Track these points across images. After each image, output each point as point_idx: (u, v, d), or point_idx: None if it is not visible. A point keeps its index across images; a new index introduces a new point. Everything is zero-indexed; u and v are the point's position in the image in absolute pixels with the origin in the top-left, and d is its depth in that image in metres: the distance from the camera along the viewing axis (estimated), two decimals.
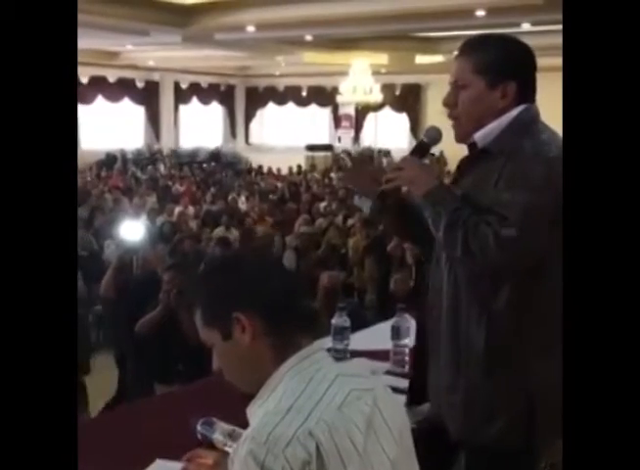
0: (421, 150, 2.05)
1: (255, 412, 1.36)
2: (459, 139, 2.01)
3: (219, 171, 18.53)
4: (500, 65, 1.91)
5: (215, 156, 21.92)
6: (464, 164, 2.04)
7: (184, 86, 21.33)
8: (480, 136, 1.94)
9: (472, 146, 1.99)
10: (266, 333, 1.36)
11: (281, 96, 22.47)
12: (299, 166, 19.14)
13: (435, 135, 2.05)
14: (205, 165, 20.12)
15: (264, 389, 1.37)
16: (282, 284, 1.42)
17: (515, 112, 1.92)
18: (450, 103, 1.98)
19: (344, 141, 21.67)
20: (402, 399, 1.98)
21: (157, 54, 16.54)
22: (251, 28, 11.49)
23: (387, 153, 20.52)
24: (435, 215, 1.88)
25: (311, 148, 21.00)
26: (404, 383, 2.25)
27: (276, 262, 1.52)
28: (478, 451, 1.95)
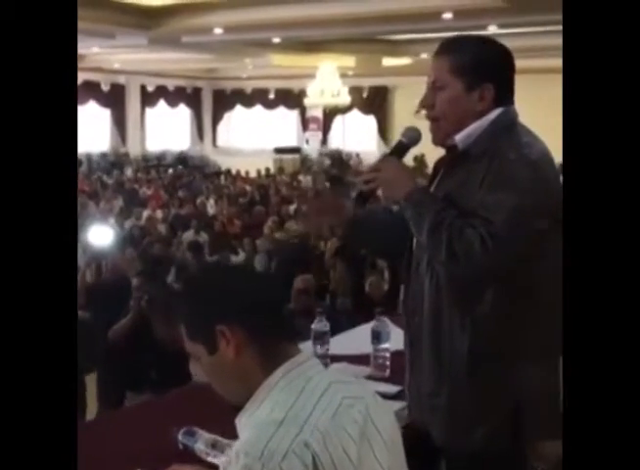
0: (400, 150, 2.01)
1: (245, 424, 1.33)
2: (437, 141, 1.99)
3: (187, 175, 18.42)
4: (478, 67, 1.89)
5: (182, 159, 21.79)
6: (443, 166, 2.01)
7: (150, 89, 21.17)
8: (460, 138, 1.92)
9: (452, 148, 1.96)
10: (251, 344, 1.34)
11: (248, 99, 22.41)
12: (268, 169, 19.10)
13: (415, 135, 2.01)
14: (171, 169, 19.99)
15: (253, 400, 1.34)
16: (263, 293, 1.40)
17: (494, 114, 1.90)
18: (428, 104, 1.96)
19: (312, 143, 21.69)
20: (392, 405, 1.95)
21: (123, 57, 16.39)
22: (218, 31, 11.42)
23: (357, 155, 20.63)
24: (418, 218, 1.85)
25: (279, 151, 21.00)
26: (391, 388, 2.24)
27: (255, 271, 1.50)
28: (460, 457, 1.93)
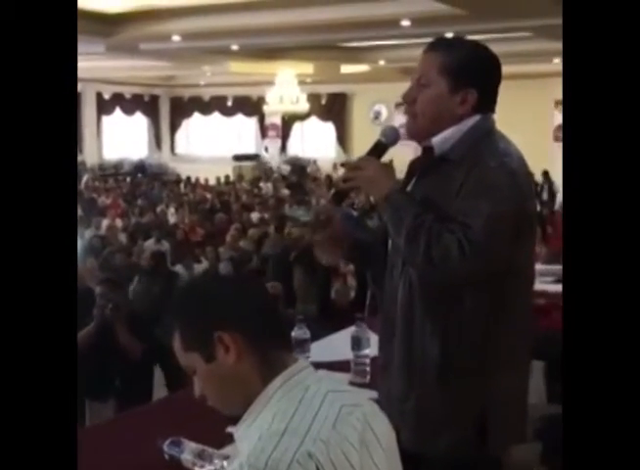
0: (378, 150, 1.99)
1: (245, 435, 1.32)
2: (411, 136, 1.98)
3: (146, 183, 18.25)
4: (464, 69, 1.90)
5: (141, 167, 21.57)
6: (419, 167, 2.01)
7: (107, 97, 20.93)
8: (437, 141, 1.92)
9: (428, 150, 1.96)
10: (250, 351, 1.33)
11: (206, 106, 22.29)
12: (227, 177, 19.03)
13: (393, 135, 1.99)
14: (129, 177, 19.79)
15: (251, 410, 1.33)
16: (259, 300, 1.40)
17: (473, 120, 1.91)
18: (409, 98, 1.95)
19: (271, 151, 21.67)
20: None
21: (79, 64, 15.67)
22: (176, 38, 11.36)
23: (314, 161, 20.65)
24: (396, 220, 1.84)
25: (238, 158, 20.93)
26: (372, 394, 2.24)
27: (249, 278, 1.50)
28: (428, 463, 1.92)
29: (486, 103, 1.94)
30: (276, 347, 1.36)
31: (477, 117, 1.92)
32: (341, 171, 18.34)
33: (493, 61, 1.96)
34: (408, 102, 1.96)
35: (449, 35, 10.80)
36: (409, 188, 1.99)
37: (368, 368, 2.51)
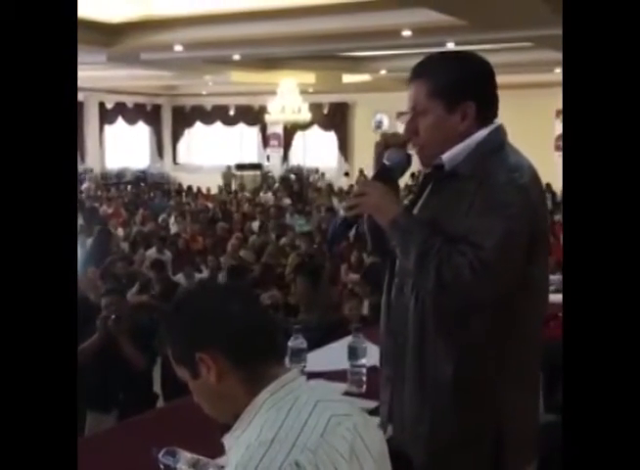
0: (384, 175, 1.93)
1: (234, 444, 1.33)
2: (425, 164, 1.95)
3: (147, 192, 18.27)
4: (455, 86, 1.84)
5: (143, 176, 21.62)
6: (431, 183, 1.95)
7: (109, 106, 21.01)
8: (447, 158, 1.87)
9: (438, 167, 1.91)
10: (233, 369, 1.34)
11: (208, 115, 22.35)
12: (229, 186, 19.05)
13: (400, 159, 1.93)
14: (131, 187, 19.83)
15: (241, 421, 1.34)
16: (243, 317, 1.37)
17: (481, 134, 1.86)
18: (412, 131, 1.91)
19: (273, 160, 21.70)
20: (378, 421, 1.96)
21: (81, 74, 16.05)
22: (178, 48, 11.39)
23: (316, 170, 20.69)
24: (405, 244, 1.80)
25: (240, 167, 20.95)
26: (368, 404, 2.24)
27: (241, 292, 1.47)
28: None
29: (487, 111, 1.89)
30: (264, 361, 1.36)
31: (484, 132, 1.87)
32: (344, 180, 18.28)
33: (481, 68, 1.90)
34: (411, 134, 1.91)
35: (450, 45, 10.85)
36: (419, 204, 1.95)
37: (364, 378, 2.50)
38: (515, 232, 1.74)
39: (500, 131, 1.90)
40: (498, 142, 1.88)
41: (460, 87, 1.85)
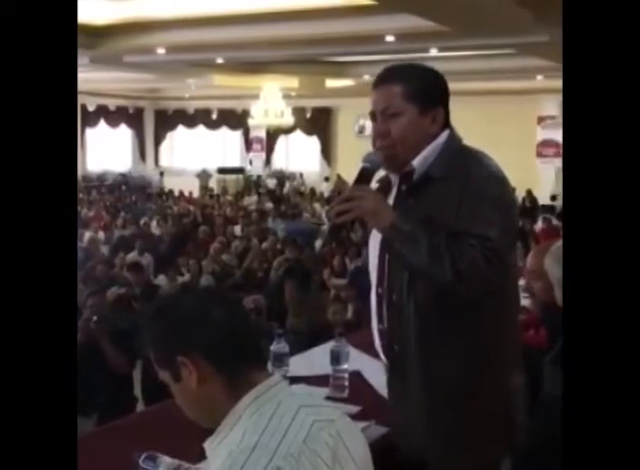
0: (365, 177, 1.94)
1: (216, 450, 1.32)
2: (394, 168, 1.98)
3: (129, 195, 18.17)
4: (429, 92, 1.95)
5: (124, 179, 21.51)
6: (404, 190, 1.97)
7: (91, 109, 20.91)
8: (418, 163, 1.92)
9: (408, 173, 1.94)
10: (214, 373, 1.33)
11: (191, 119, 22.32)
12: (211, 190, 18.99)
13: (377, 160, 1.95)
14: (113, 190, 19.72)
15: (223, 426, 1.33)
16: (225, 321, 1.36)
17: (443, 137, 1.95)
18: (382, 132, 1.94)
19: (256, 164, 21.68)
20: (361, 427, 1.95)
21: None
22: (161, 51, 11.37)
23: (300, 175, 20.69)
24: (411, 244, 1.79)
25: (222, 171, 20.91)
26: (350, 409, 2.24)
27: (217, 297, 1.45)
28: None
29: (447, 117, 2.00)
30: (247, 365, 1.35)
31: (445, 134, 1.96)
32: (325, 185, 18.18)
33: (444, 79, 2.02)
34: (381, 136, 1.94)
35: (433, 51, 10.90)
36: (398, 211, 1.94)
37: (347, 383, 2.49)
38: (510, 220, 1.89)
39: (455, 134, 2.00)
40: (459, 143, 1.99)
41: (433, 94, 1.97)
